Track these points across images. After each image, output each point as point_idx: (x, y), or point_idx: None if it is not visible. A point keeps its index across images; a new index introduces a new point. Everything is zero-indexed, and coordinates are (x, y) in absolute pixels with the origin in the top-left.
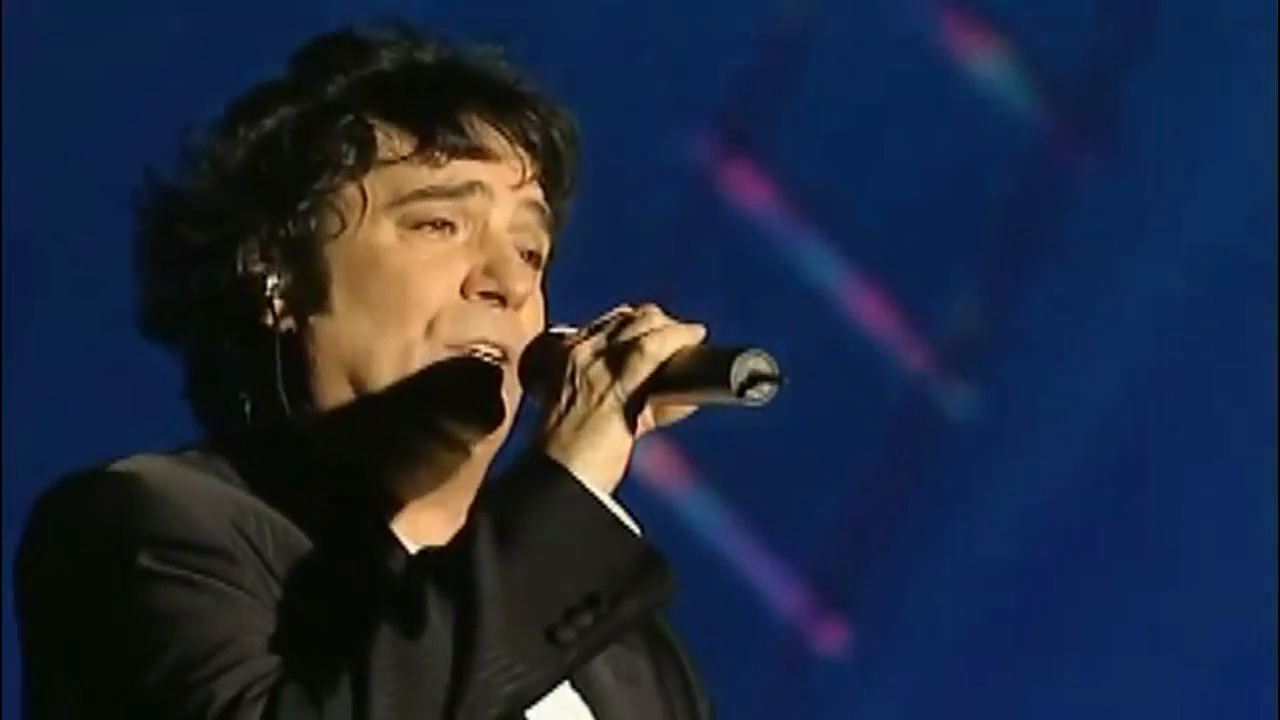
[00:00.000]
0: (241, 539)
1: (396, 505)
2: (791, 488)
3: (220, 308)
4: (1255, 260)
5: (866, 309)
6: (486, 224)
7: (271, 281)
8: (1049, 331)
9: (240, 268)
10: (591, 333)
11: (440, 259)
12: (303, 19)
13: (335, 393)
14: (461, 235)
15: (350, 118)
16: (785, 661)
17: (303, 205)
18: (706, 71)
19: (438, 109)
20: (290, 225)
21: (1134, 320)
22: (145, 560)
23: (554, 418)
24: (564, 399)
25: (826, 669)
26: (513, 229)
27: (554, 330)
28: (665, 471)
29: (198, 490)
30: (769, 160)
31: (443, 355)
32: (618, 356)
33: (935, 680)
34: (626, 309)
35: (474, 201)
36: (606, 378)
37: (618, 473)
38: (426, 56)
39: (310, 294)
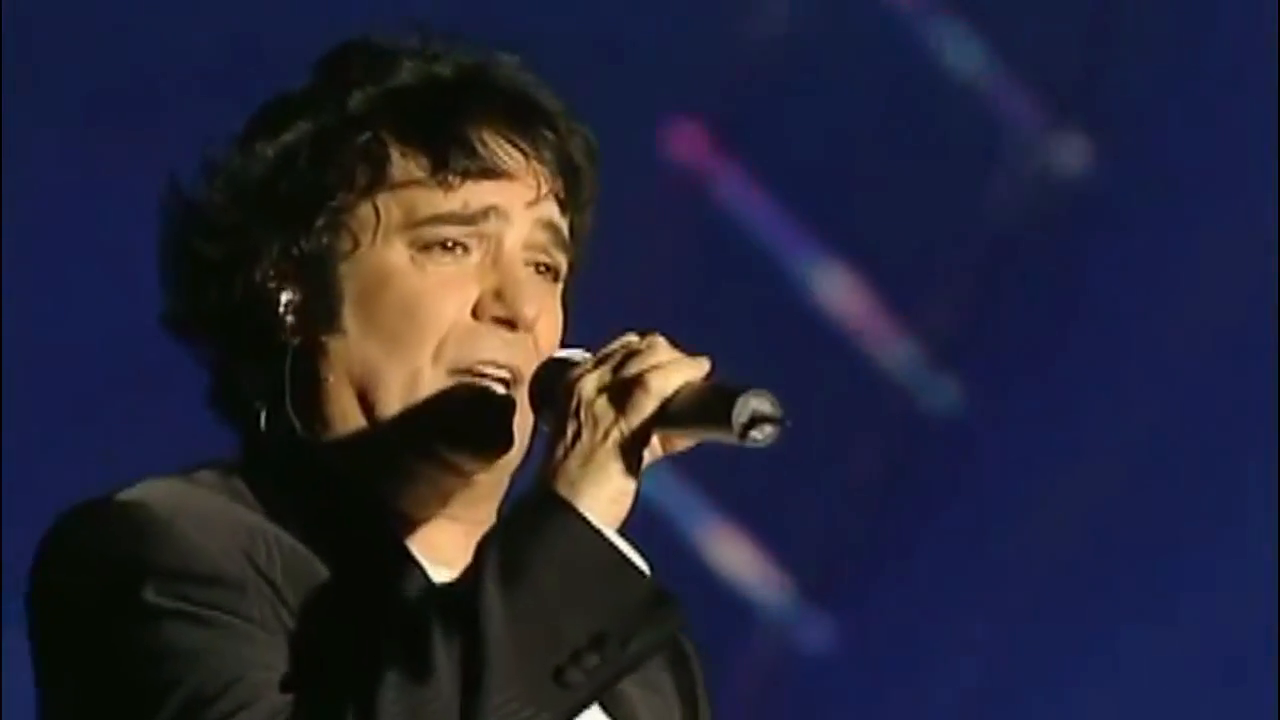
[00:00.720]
0: (250, 566)
1: (410, 523)
2: (777, 484)
3: (235, 320)
4: (1252, 256)
5: (852, 305)
6: (500, 244)
7: (285, 298)
8: (1035, 328)
9: (254, 283)
10: (597, 364)
11: (451, 281)
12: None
13: (345, 413)
14: (475, 255)
15: (367, 135)
16: (770, 659)
17: (318, 223)
18: (691, 67)
19: (452, 130)
20: (304, 242)
21: (1123, 316)
22: (152, 596)
23: (560, 452)
24: (569, 434)
25: (812, 666)
26: (527, 247)
27: (561, 356)
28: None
29: (206, 517)
30: (754, 157)
31: (451, 381)
32: (622, 392)
33: (922, 678)
34: (633, 338)
35: (488, 225)
36: (610, 414)
37: (624, 508)
38: (445, 70)
39: (322, 312)
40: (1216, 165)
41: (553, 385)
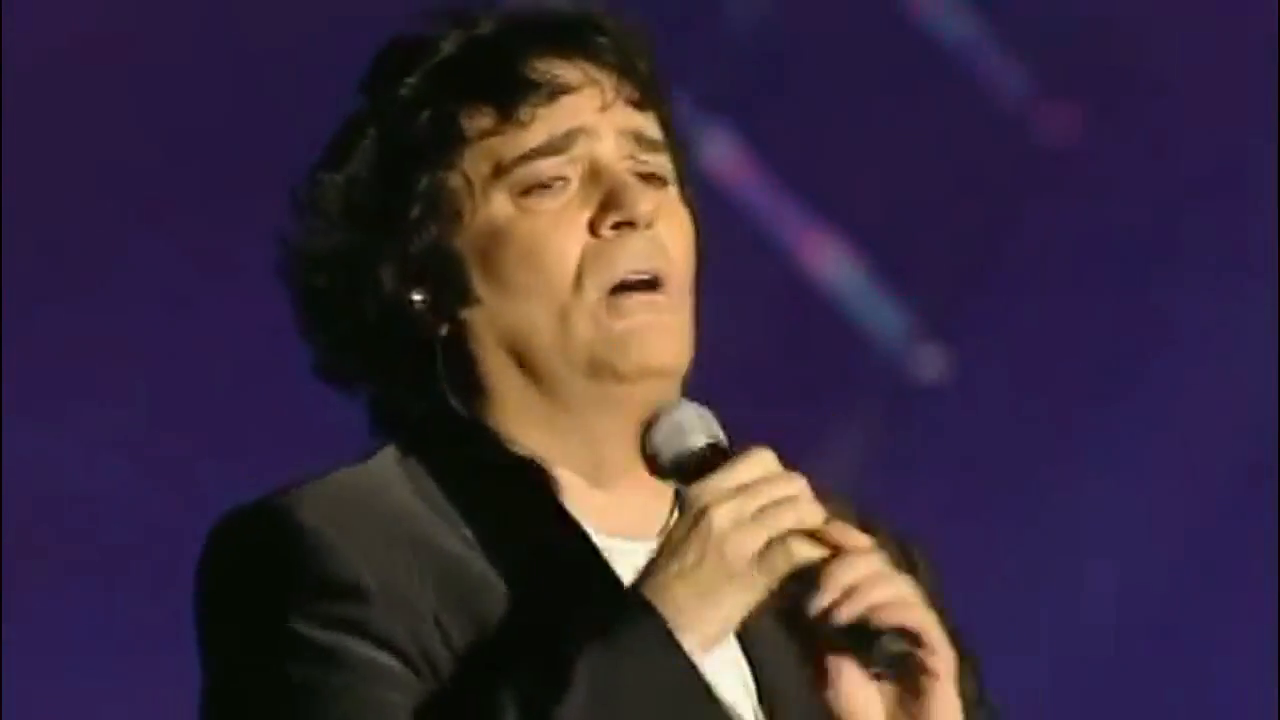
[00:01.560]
0: (396, 581)
1: (583, 492)
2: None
3: (378, 342)
4: (1245, 226)
5: (840, 271)
6: (592, 161)
7: (417, 298)
8: (1023, 295)
9: (383, 299)
10: (732, 490)
11: (562, 213)
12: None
13: (504, 377)
14: (574, 184)
15: (427, 112)
16: None
17: (414, 214)
18: (679, 34)
19: (503, 70)
20: (412, 238)
21: (1113, 285)
22: (292, 621)
23: (674, 572)
24: (689, 557)
25: None
26: (620, 158)
27: (689, 422)
28: None
29: (359, 527)
30: (745, 126)
31: (601, 306)
32: (758, 540)
33: None
34: (773, 466)
35: (576, 148)
36: (744, 560)
37: (722, 641)
38: (485, 29)
39: (455, 294)
40: (1208, 134)
41: (682, 472)
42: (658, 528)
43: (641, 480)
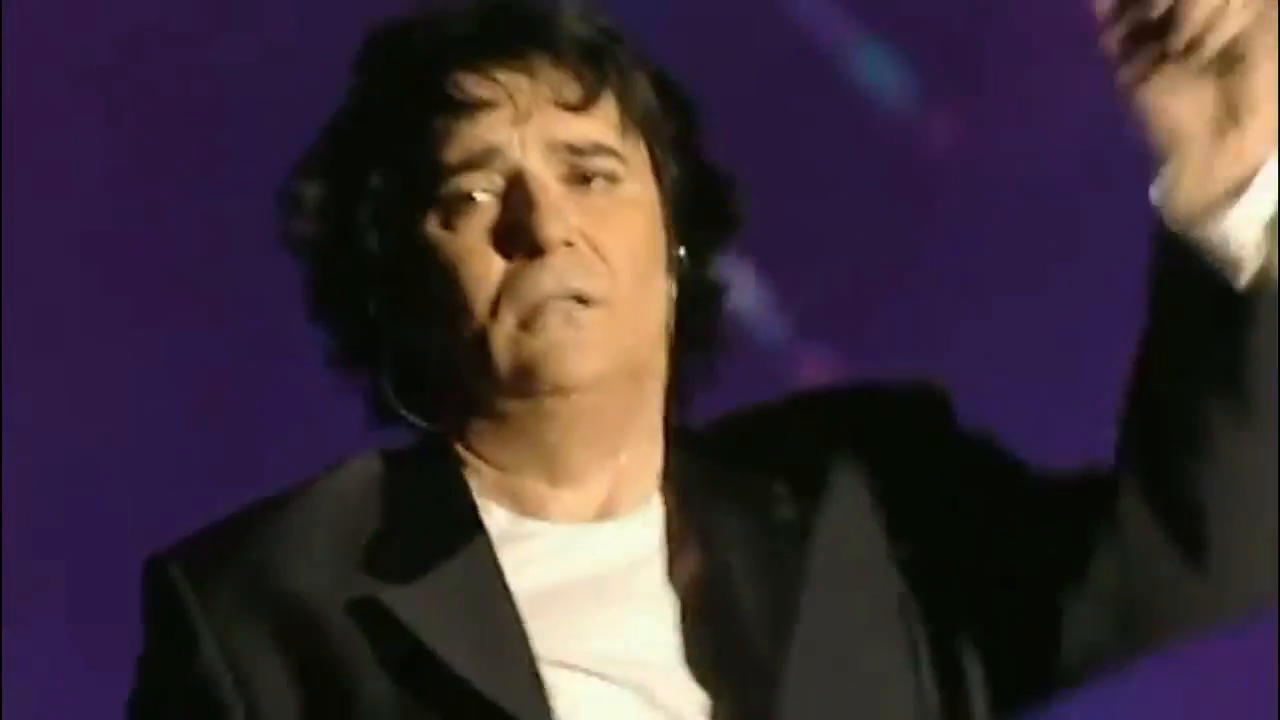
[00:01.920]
0: (254, 642)
1: (543, 490)
2: None
3: (346, 346)
4: (1130, 234)
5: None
6: (511, 177)
7: (370, 307)
8: (907, 306)
9: (340, 302)
10: None
11: (482, 235)
12: None
13: (447, 396)
14: (496, 202)
15: (376, 116)
16: None
17: (361, 218)
18: None
19: (429, 85)
20: (363, 243)
21: (991, 292)
22: (142, 681)
23: None
24: None
25: None
26: (544, 169)
27: None
28: None
29: (230, 589)
30: None
31: (518, 331)
32: None
33: None
34: None
35: (494, 164)
36: None
37: None
38: (442, 28)
39: (395, 308)
40: (1090, 139)
41: None
42: (643, 498)
43: (614, 463)
